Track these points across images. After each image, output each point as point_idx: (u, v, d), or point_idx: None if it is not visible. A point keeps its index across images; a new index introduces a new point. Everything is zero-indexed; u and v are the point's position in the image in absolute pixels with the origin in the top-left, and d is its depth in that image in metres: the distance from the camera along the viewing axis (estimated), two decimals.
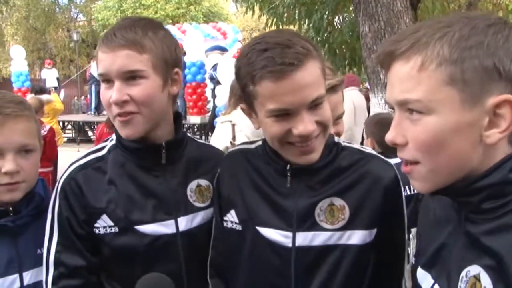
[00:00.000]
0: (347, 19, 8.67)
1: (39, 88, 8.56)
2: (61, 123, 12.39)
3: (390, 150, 1.46)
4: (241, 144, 1.39)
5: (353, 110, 4.68)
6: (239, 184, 1.26)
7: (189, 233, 1.30)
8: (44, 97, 7.50)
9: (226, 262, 1.30)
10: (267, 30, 9.19)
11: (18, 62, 12.23)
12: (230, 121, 3.54)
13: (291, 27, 8.35)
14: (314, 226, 1.16)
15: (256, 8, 8.37)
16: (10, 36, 23.73)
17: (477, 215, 0.82)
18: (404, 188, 1.27)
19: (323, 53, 8.07)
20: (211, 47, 9.34)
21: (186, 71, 9.54)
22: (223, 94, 6.12)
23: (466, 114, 0.77)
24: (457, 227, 0.88)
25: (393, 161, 1.30)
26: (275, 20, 8.09)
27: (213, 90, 8.00)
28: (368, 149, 1.30)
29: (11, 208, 1.28)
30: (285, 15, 8.13)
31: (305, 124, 1.07)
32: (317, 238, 1.16)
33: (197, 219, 1.33)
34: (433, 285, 0.91)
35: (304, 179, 1.18)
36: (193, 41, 9.95)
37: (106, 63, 1.18)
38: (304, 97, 1.05)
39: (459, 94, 0.76)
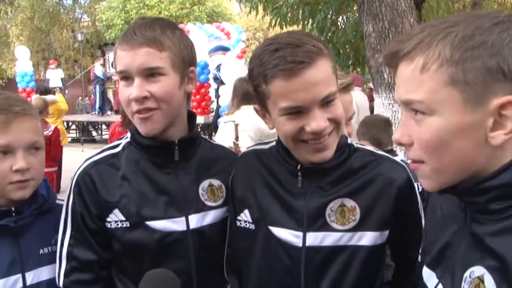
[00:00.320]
0: (350, 18, 8.65)
1: (44, 89, 8.60)
2: (65, 123, 12.43)
3: (382, 148, 1.47)
4: (255, 144, 1.41)
5: (356, 110, 4.67)
6: (252, 184, 1.28)
7: (200, 231, 1.31)
8: (49, 97, 7.53)
9: (239, 261, 1.32)
10: (271, 30, 9.20)
11: (23, 63, 12.29)
12: (233, 121, 3.55)
13: (295, 27, 8.35)
14: (324, 226, 1.17)
15: (260, 8, 8.38)
16: (15, 37, 23.81)
17: (484, 216, 0.81)
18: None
19: None
20: (213, 48, 9.35)
21: None
22: (226, 94, 6.12)
23: (469, 115, 0.76)
24: (463, 226, 0.88)
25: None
26: (278, 20, 8.09)
27: (216, 90, 8.01)
28: (380, 151, 1.31)
29: (13, 208, 1.29)
30: (289, 15, 8.13)
31: (317, 121, 1.08)
32: (327, 239, 1.17)
33: (208, 217, 1.34)
34: (437, 284, 0.91)
35: (315, 180, 1.19)
36: (197, 41, 9.97)
37: (126, 61, 1.20)
38: (315, 94, 1.07)
39: (461, 95, 0.76)
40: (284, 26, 8.10)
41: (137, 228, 1.26)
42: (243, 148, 3.27)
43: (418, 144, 0.82)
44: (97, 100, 15.20)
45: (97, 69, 15.34)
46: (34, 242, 1.32)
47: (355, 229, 1.17)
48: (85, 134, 14.38)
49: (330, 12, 7.88)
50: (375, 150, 1.29)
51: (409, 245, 1.22)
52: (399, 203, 1.19)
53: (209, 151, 1.42)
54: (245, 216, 1.28)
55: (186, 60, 1.28)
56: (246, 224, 1.27)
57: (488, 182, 0.79)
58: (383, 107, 4.66)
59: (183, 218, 1.29)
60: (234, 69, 6.26)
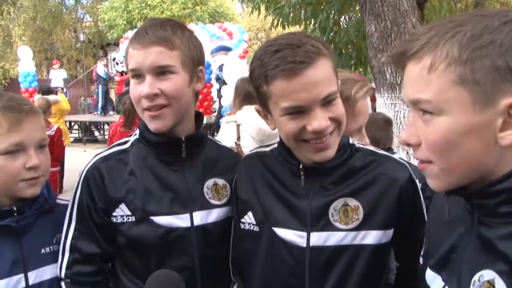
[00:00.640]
0: (353, 18, 8.64)
1: (46, 89, 8.62)
2: (67, 123, 12.46)
3: (380, 147, 1.48)
4: (257, 147, 1.42)
5: None
6: (255, 186, 1.29)
7: (204, 228, 1.33)
8: (51, 97, 7.55)
9: (243, 262, 1.33)
10: (273, 30, 9.19)
11: (25, 63, 12.31)
12: (235, 121, 3.55)
13: (297, 27, 8.35)
14: (328, 226, 1.18)
15: (262, 8, 8.37)
16: (18, 37, 23.88)
17: (492, 219, 0.80)
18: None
19: None
20: (215, 49, 9.35)
21: None
22: (228, 94, 6.12)
23: (478, 115, 0.75)
24: (469, 229, 0.87)
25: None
26: (281, 20, 8.08)
27: (218, 90, 8.01)
28: (381, 150, 1.31)
29: (15, 208, 1.30)
30: (291, 15, 8.12)
31: (319, 121, 1.09)
32: (331, 238, 1.17)
33: (212, 215, 1.36)
34: (443, 287, 0.90)
35: (318, 180, 1.20)
36: None
37: (138, 59, 1.24)
38: (316, 94, 1.08)
39: (470, 95, 0.75)
40: (286, 26, 8.10)
41: (142, 223, 1.29)
42: (245, 148, 3.28)
43: (426, 144, 0.82)
44: (100, 100, 15.23)
45: (99, 69, 15.37)
46: (36, 242, 1.33)
47: (358, 228, 1.17)
48: (88, 134, 14.40)
49: (332, 12, 7.87)
50: (376, 150, 1.29)
51: (414, 245, 1.22)
52: (402, 202, 1.20)
53: (215, 151, 1.45)
54: (248, 219, 1.28)
55: (195, 59, 1.31)
56: (250, 226, 1.28)
57: (498, 185, 0.78)
58: (385, 107, 4.65)
59: (188, 215, 1.32)
60: (236, 69, 6.25)
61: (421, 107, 0.80)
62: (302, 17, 8.16)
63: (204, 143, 1.42)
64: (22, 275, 1.28)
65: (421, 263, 1.09)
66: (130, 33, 10.98)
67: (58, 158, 5.38)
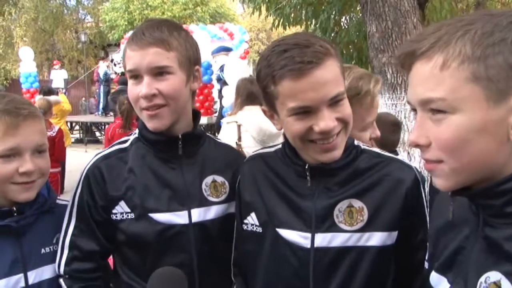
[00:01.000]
0: (354, 19, 8.63)
1: (48, 89, 8.63)
2: (68, 124, 12.47)
3: (386, 147, 1.49)
4: (261, 148, 1.42)
5: None
6: (259, 187, 1.29)
7: (202, 225, 1.34)
8: (52, 98, 7.56)
9: (245, 263, 1.33)
10: (274, 30, 9.19)
11: (26, 63, 12.34)
12: (236, 122, 3.55)
13: (298, 27, 8.34)
14: (332, 227, 1.17)
15: (263, 8, 8.36)
16: (19, 38, 23.90)
17: (498, 219, 0.80)
18: None
19: None
20: (216, 49, 9.35)
21: None
22: (229, 95, 6.12)
23: (492, 112, 0.75)
24: (475, 230, 0.86)
25: None
26: (281, 20, 8.07)
27: (219, 91, 8.01)
28: (386, 152, 1.30)
29: (14, 208, 1.30)
30: (292, 15, 8.11)
31: (326, 121, 1.09)
32: (335, 239, 1.17)
33: (211, 212, 1.37)
34: None
35: (323, 181, 1.20)
36: (200, 42, 9.93)
37: (135, 60, 1.26)
38: (324, 94, 1.08)
39: (484, 91, 0.75)
40: (287, 27, 8.09)
41: (141, 220, 1.31)
42: (246, 149, 3.28)
43: (437, 144, 0.81)
44: (101, 100, 15.23)
45: (101, 70, 15.37)
46: (36, 242, 1.33)
47: (363, 229, 1.17)
48: (89, 134, 14.41)
49: (333, 13, 7.85)
50: (381, 152, 1.29)
51: (415, 246, 1.22)
52: (407, 204, 1.19)
53: (213, 148, 1.46)
54: (252, 220, 1.28)
55: (192, 59, 1.33)
56: (253, 228, 1.27)
57: (505, 184, 0.77)
58: (386, 107, 4.64)
59: (186, 212, 1.33)
60: (237, 69, 6.25)
61: (433, 106, 0.80)
62: (303, 17, 8.15)
63: (203, 141, 1.44)
64: (21, 275, 1.28)
65: (426, 267, 1.08)
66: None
67: (59, 159, 5.39)
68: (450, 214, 0.96)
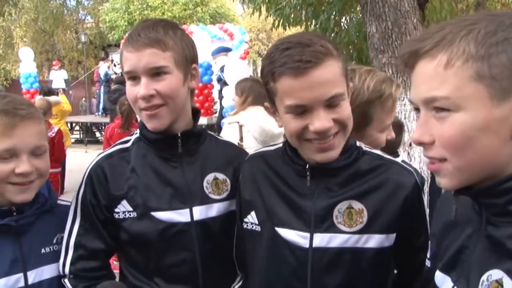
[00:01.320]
0: (354, 19, 8.63)
1: (48, 90, 8.63)
2: (69, 124, 12.46)
3: (388, 149, 1.51)
4: (261, 147, 1.43)
5: None
6: (259, 186, 1.29)
7: (203, 223, 1.35)
8: (52, 98, 7.56)
9: (245, 262, 1.34)
10: (274, 31, 9.18)
11: (26, 64, 12.33)
12: (238, 122, 3.54)
13: (298, 27, 8.34)
14: (331, 227, 1.17)
15: (263, 9, 8.36)
16: (19, 38, 23.90)
17: (501, 218, 0.80)
18: None
19: None
20: (215, 50, 9.36)
21: None
22: (230, 95, 6.12)
23: (495, 110, 0.76)
24: (478, 230, 0.86)
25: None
26: (281, 21, 8.07)
27: (220, 91, 8.01)
28: (387, 155, 1.31)
29: (14, 208, 1.29)
30: (292, 15, 8.11)
31: (321, 121, 1.09)
32: (334, 240, 1.17)
33: (212, 210, 1.37)
34: None
35: (323, 181, 1.20)
36: (200, 42, 9.96)
37: (132, 61, 1.27)
38: (321, 94, 1.08)
39: (487, 90, 0.76)
40: (287, 27, 8.09)
41: (143, 219, 1.31)
42: (247, 149, 3.27)
43: (441, 141, 0.81)
44: (101, 101, 15.23)
45: (101, 70, 15.37)
46: (36, 242, 1.33)
47: (362, 231, 1.17)
48: (89, 135, 14.41)
49: (333, 13, 7.85)
50: (383, 154, 1.29)
51: (415, 248, 1.22)
52: (406, 208, 1.19)
53: (214, 145, 1.47)
54: (251, 218, 1.28)
55: (188, 58, 1.34)
56: (252, 226, 1.28)
57: (508, 182, 0.78)
58: None
59: (187, 210, 1.33)
60: (238, 70, 6.25)
61: (436, 104, 0.80)
62: (303, 18, 8.15)
63: (203, 139, 1.44)
64: (21, 274, 1.28)
65: (429, 266, 1.08)
66: None
67: (59, 159, 5.38)
68: (453, 213, 0.96)
